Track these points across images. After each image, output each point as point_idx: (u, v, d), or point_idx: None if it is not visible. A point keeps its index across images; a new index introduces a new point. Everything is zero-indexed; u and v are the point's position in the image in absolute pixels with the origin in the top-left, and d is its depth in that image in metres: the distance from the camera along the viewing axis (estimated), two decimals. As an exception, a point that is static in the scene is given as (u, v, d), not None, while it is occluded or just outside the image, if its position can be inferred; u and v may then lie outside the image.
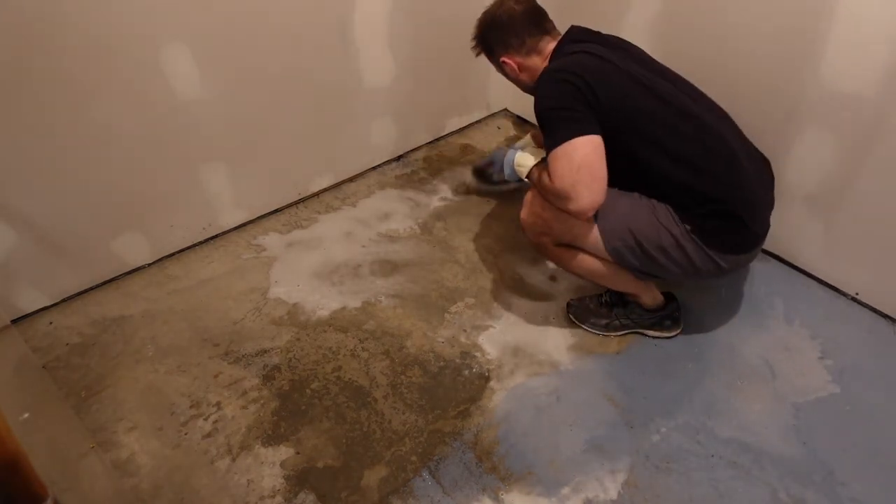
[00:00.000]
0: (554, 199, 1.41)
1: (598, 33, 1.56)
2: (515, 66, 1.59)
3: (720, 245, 1.43)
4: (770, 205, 1.55)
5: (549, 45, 1.55)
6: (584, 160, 1.33)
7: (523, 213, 1.57)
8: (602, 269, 1.55)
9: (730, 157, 1.43)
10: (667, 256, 1.45)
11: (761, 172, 1.55)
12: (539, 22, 1.56)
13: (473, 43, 1.65)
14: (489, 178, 2.17)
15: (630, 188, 1.48)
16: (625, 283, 1.60)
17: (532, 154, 1.66)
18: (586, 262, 1.54)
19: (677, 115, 1.42)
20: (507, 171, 1.74)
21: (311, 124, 2.11)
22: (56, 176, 1.65)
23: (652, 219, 1.43)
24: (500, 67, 1.63)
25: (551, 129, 1.38)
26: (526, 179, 1.64)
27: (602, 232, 1.46)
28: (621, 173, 1.39)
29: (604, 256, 1.51)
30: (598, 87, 1.37)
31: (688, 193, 1.42)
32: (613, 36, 1.58)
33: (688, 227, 1.42)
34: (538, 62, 1.56)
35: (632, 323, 1.71)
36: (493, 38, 1.59)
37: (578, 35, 1.54)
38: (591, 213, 1.38)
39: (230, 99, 1.85)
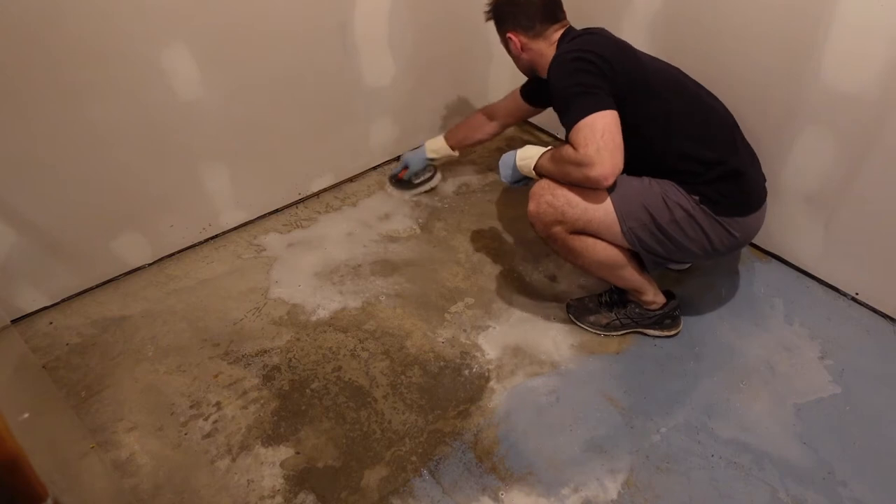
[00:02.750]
0: (575, 168, 1.41)
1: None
2: (519, 45, 1.64)
3: (728, 209, 1.48)
4: (763, 178, 1.62)
5: (557, 34, 1.61)
6: (605, 128, 1.38)
7: (532, 206, 1.53)
8: (614, 256, 1.54)
9: (728, 126, 1.54)
10: (681, 232, 1.48)
11: (752, 153, 1.63)
12: (553, 10, 1.61)
13: (487, 8, 1.69)
14: (407, 184, 2.26)
15: (637, 165, 1.50)
16: (631, 275, 1.60)
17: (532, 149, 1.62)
18: (598, 249, 1.53)
19: (680, 90, 1.52)
20: (504, 172, 1.67)
21: (311, 124, 2.11)
22: (56, 176, 1.65)
23: (663, 196, 1.48)
24: (505, 41, 1.68)
25: (570, 105, 1.42)
26: (533, 174, 1.59)
27: (618, 213, 1.48)
28: (629, 147, 1.41)
29: (619, 241, 1.52)
30: (612, 60, 1.44)
31: (691, 161, 1.48)
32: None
33: (696, 199, 1.47)
34: (543, 47, 1.61)
35: (632, 322, 1.71)
36: (506, 11, 1.63)
37: (579, 31, 1.59)
38: (612, 180, 1.39)
39: (230, 99, 1.86)
